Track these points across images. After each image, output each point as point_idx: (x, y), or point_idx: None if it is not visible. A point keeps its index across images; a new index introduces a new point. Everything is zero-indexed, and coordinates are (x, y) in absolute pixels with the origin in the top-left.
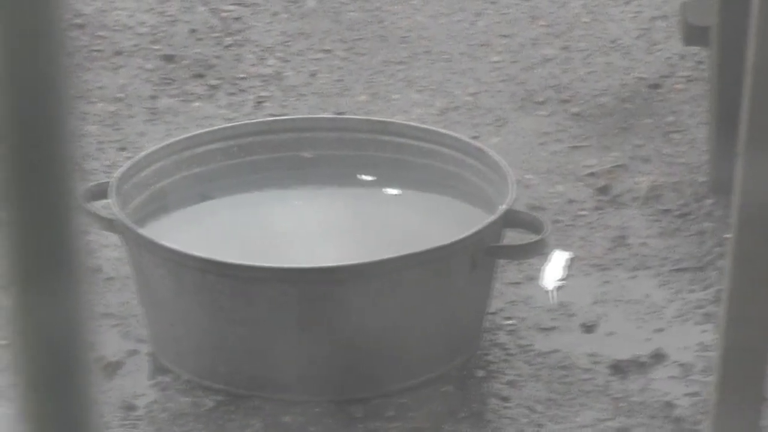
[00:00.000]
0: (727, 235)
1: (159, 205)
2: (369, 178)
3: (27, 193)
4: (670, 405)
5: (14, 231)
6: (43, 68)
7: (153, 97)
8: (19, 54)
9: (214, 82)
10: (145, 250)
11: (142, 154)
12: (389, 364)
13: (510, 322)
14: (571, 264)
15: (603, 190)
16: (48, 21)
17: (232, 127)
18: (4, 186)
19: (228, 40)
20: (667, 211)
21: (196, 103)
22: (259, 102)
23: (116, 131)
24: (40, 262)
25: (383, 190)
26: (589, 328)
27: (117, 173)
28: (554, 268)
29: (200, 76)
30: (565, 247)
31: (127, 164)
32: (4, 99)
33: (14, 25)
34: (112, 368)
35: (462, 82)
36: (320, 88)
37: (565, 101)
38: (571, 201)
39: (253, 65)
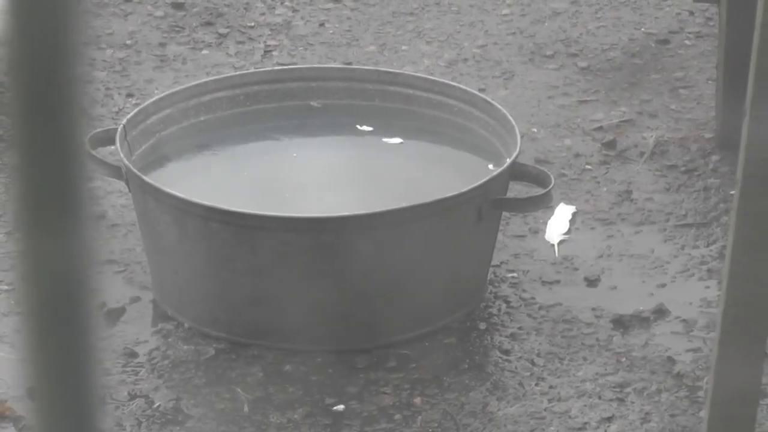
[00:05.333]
0: (733, 192)
1: (165, 153)
2: (368, 128)
3: (33, 138)
4: (671, 360)
5: (20, 175)
6: (50, 14)
7: (162, 45)
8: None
9: (223, 30)
10: (150, 197)
11: (150, 101)
12: (392, 315)
13: (513, 274)
14: (575, 218)
15: (609, 144)
16: None
17: (240, 75)
18: (11, 130)
19: None
20: (673, 166)
21: (205, 51)
22: (268, 51)
23: (124, 78)
24: (45, 206)
25: (382, 139)
26: (592, 282)
27: (124, 120)
28: (559, 222)
29: (209, 24)
30: (570, 201)
31: (134, 111)
32: (12, 44)
33: None
34: (115, 315)
35: (471, 35)
36: (329, 38)
37: (573, 55)
38: (577, 155)
39: (263, 14)
